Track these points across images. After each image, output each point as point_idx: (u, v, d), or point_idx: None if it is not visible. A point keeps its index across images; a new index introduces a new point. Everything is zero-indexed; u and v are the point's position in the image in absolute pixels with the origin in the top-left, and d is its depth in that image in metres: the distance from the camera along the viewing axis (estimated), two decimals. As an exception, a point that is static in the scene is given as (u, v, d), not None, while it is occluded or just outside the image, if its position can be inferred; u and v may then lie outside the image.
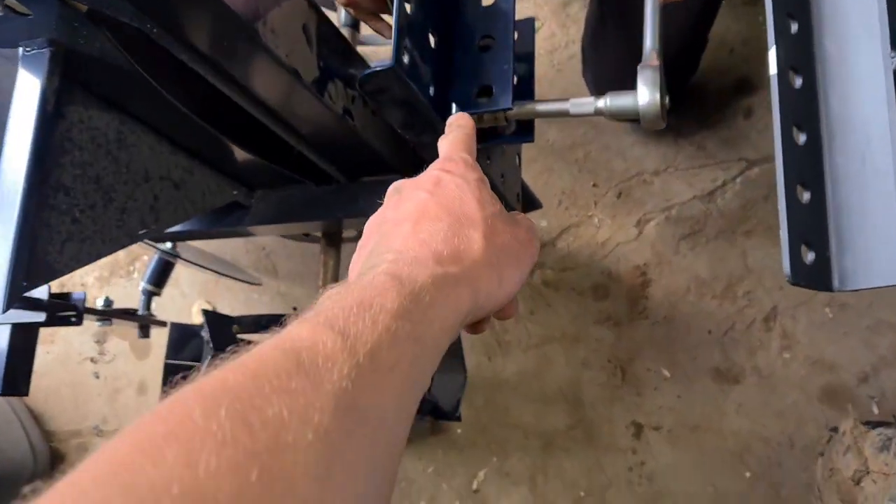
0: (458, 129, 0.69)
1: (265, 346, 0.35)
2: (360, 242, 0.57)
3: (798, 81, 0.82)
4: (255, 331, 1.16)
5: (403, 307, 0.40)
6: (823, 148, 0.81)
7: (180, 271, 1.62)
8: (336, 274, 1.33)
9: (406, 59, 0.81)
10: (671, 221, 1.54)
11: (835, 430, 1.25)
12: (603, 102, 0.89)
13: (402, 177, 1.13)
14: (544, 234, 1.57)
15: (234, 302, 1.62)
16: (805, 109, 0.81)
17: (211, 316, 1.13)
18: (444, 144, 0.68)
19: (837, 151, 0.80)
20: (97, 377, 1.60)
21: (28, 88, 0.80)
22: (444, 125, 0.93)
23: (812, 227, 0.79)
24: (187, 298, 1.63)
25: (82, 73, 0.82)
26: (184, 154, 1.05)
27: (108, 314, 1.32)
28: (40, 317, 1.19)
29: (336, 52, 0.96)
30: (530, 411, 1.48)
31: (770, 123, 0.69)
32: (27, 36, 0.76)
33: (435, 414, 1.30)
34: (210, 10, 0.76)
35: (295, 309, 1.09)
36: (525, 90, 0.99)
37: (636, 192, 1.57)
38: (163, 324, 1.39)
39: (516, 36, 0.97)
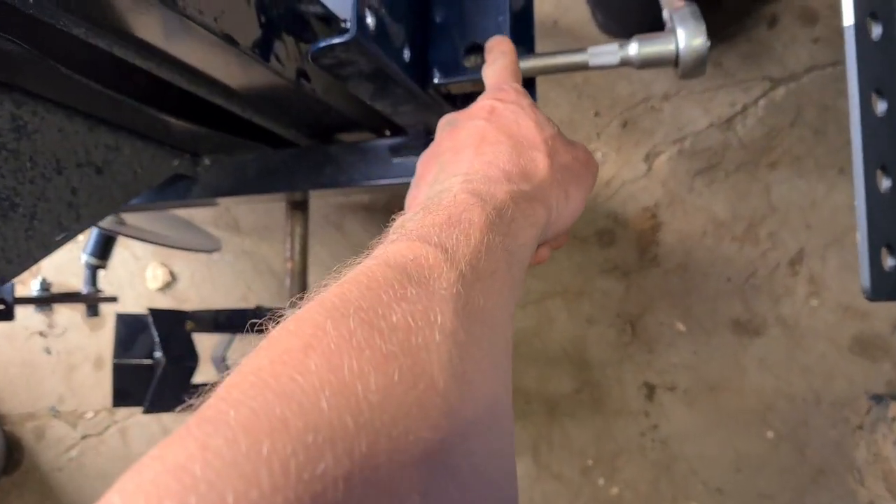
0: (500, 56, 0.64)
1: (368, 263, 0.36)
2: (416, 178, 0.56)
3: (877, 31, 0.63)
4: (214, 329, 0.99)
5: (490, 220, 0.41)
6: (907, 121, 0.63)
7: (130, 231, 1.43)
8: (305, 242, 1.15)
9: (371, 21, 0.61)
10: (684, 154, 1.35)
11: (877, 399, 1.12)
12: (632, 49, 0.70)
13: (375, 135, 0.92)
14: (541, 174, 1.38)
15: (195, 262, 1.44)
16: (888, 71, 0.63)
17: (158, 314, 0.95)
18: (489, 74, 0.63)
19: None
20: (49, 353, 1.43)
21: None
22: (423, 93, 0.73)
23: (893, 224, 0.62)
24: (140, 261, 1.45)
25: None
26: (105, 129, 0.85)
27: (46, 300, 1.15)
28: (-41, 317, 1.03)
29: (278, 4, 0.74)
30: (532, 374, 1.33)
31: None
32: None
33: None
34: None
35: (259, 307, 0.91)
36: (523, 39, 0.78)
37: (644, 121, 1.37)
38: (113, 299, 1.22)
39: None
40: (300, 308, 0.33)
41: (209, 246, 1.28)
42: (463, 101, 0.79)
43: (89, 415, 1.41)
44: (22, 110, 0.73)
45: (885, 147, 0.62)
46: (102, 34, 0.62)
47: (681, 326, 1.32)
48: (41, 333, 1.45)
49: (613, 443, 1.30)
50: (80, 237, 1.47)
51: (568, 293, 1.34)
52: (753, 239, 1.32)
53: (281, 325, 0.32)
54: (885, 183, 0.61)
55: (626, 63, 0.71)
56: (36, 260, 0.76)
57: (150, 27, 0.63)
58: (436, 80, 0.71)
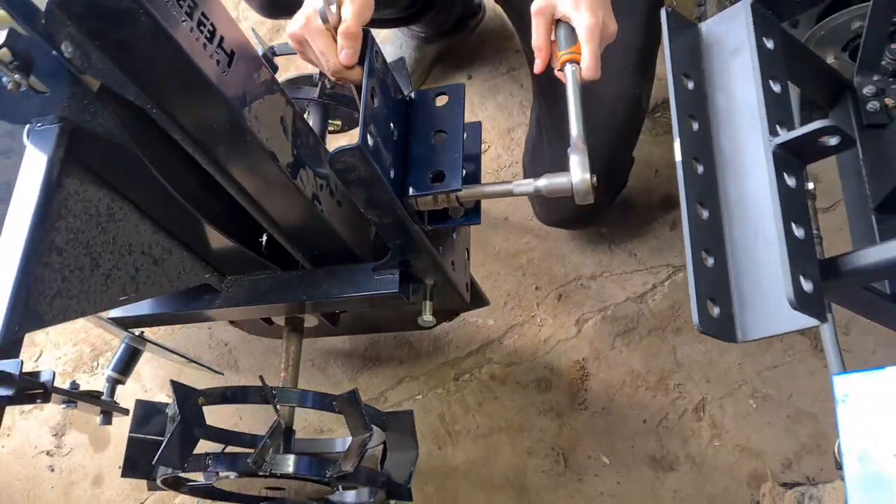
0: None
1: None
2: None
3: (700, 168, 0.99)
4: (222, 402, 1.23)
5: None
6: (724, 223, 0.97)
7: (142, 366, 1.69)
8: (298, 360, 1.41)
9: (370, 141, 0.96)
10: (607, 320, 1.67)
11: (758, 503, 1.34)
12: (542, 182, 1.04)
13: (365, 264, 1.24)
14: (491, 333, 1.69)
15: (194, 397, 1.67)
16: (707, 190, 0.98)
17: (179, 387, 1.20)
18: None
19: (735, 226, 0.96)
20: (52, 470, 1.62)
21: (35, 160, 0.92)
22: (400, 205, 1.06)
23: (716, 286, 0.93)
24: (148, 393, 1.69)
25: (83, 151, 0.95)
26: (164, 234, 1.16)
27: (75, 395, 1.37)
28: (9, 391, 1.25)
29: (308, 144, 1.11)
30: (479, 498, 1.53)
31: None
32: (39, 113, 0.89)
33: (389, 490, 1.36)
34: (204, 95, 0.91)
35: (261, 377, 1.16)
36: (473, 180, 1.14)
37: (575, 295, 1.71)
38: (125, 412, 1.44)
39: (465, 136, 1.14)
40: None
41: (213, 368, 1.54)
42: (429, 220, 1.13)
43: (80, 528, 1.56)
44: (115, 204, 1.05)
45: (708, 237, 0.94)
46: (191, 141, 0.96)
47: (606, 460, 1.55)
48: (48, 453, 1.64)
49: (549, 562, 1.48)
50: (103, 365, 1.72)
51: (511, 429, 1.59)
52: (664, 389, 1.60)
53: None
54: (709, 260, 0.93)
55: (538, 192, 1.06)
56: (104, 308, 1.04)
57: (224, 140, 0.97)
58: (410, 193, 1.05)
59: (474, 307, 1.56)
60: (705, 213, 0.96)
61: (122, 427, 1.61)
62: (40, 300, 0.90)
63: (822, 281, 0.83)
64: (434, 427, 1.61)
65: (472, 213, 1.13)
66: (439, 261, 1.22)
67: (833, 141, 0.84)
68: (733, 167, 0.98)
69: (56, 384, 1.32)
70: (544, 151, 1.55)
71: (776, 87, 0.92)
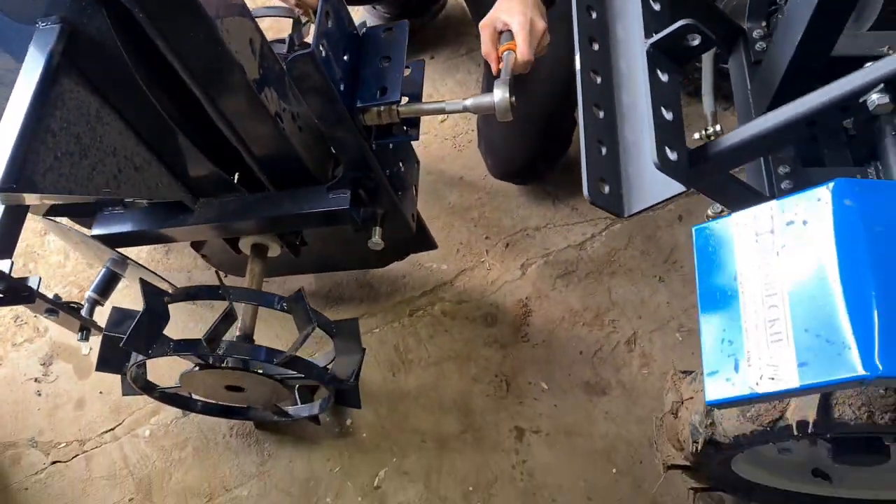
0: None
1: None
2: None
3: (598, 80, 1.17)
4: (185, 299, 1.39)
5: None
6: (617, 122, 1.14)
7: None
8: (261, 281, 1.57)
9: (323, 53, 1.14)
10: (549, 264, 1.84)
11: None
12: (469, 102, 1.22)
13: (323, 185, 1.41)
14: (444, 276, 1.85)
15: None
16: (603, 97, 1.15)
17: (146, 284, 1.35)
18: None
19: (626, 125, 1.14)
20: (39, 395, 1.75)
21: (37, 54, 1.08)
22: (350, 119, 1.23)
23: (607, 170, 1.11)
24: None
25: (79, 55, 1.11)
26: (145, 148, 1.32)
27: (57, 305, 1.50)
28: (-1, 286, 1.37)
29: (273, 70, 1.28)
30: (428, 419, 1.68)
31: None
32: (43, 13, 1.05)
33: (338, 396, 1.51)
34: (181, 5, 1.07)
35: (217, 273, 1.32)
36: (414, 93, 1.31)
37: (521, 243, 1.88)
38: (102, 329, 1.57)
39: (411, 70, 1.32)
40: None
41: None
42: (376, 136, 1.30)
43: (62, 445, 1.70)
44: (104, 110, 1.21)
45: (602, 132, 1.11)
46: (169, 48, 1.13)
47: (544, 385, 1.70)
48: (36, 380, 1.78)
49: (490, 473, 1.62)
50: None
51: (459, 358, 1.74)
52: (599, 324, 1.76)
53: None
54: (602, 149, 1.10)
55: (466, 109, 1.24)
56: (89, 193, 1.19)
57: (196, 45, 1.14)
58: (358, 104, 1.23)
59: (424, 249, 1.73)
60: (601, 114, 1.14)
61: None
62: (35, 169, 1.05)
63: (694, 165, 1.00)
64: (389, 356, 1.76)
65: (412, 131, 1.31)
66: (385, 183, 1.39)
67: (695, 41, 1.02)
68: (627, 78, 1.16)
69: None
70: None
71: (656, 6, 1.11)
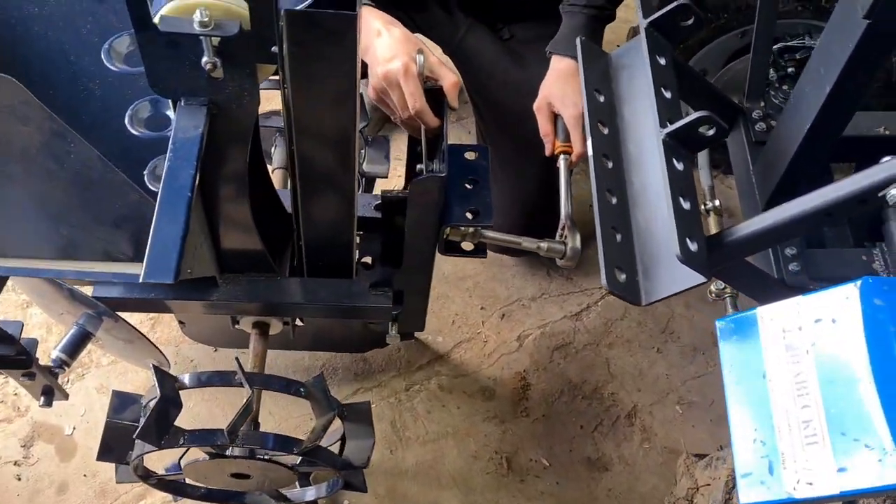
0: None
1: None
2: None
3: (609, 164, 1.17)
4: (198, 385, 1.34)
5: None
6: (629, 207, 1.14)
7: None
8: (264, 360, 1.52)
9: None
10: (546, 336, 1.83)
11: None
12: (544, 244, 1.23)
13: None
14: (440, 348, 1.82)
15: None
16: (615, 182, 1.16)
17: (158, 370, 1.31)
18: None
19: (639, 210, 1.14)
20: (19, 479, 1.68)
21: (185, 131, 0.94)
22: (436, 234, 1.23)
23: (623, 257, 1.10)
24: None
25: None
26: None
27: (41, 369, 1.41)
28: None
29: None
30: (427, 497, 1.64)
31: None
32: (190, 92, 0.94)
33: (346, 481, 1.46)
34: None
35: (237, 359, 1.28)
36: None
37: (517, 314, 1.86)
38: (65, 396, 1.48)
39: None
40: None
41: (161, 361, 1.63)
42: (446, 247, 1.29)
43: (43, 532, 1.62)
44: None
45: (616, 218, 1.12)
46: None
47: (545, 462, 1.67)
48: (16, 463, 1.70)
49: (492, 555, 1.58)
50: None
51: (458, 434, 1.71)
52: (599, 398, 1.75)
53: None
54: (617, 237, 1.10)
55: (539, 251, 1.27)
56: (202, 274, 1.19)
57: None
58: (450, 222, 1.22)
59: (413, 331, 1.71)
60: (613, 199, 1.14)
61: (87, 438, 1.70)
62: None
63: (710, 253, 1.00)
64: (386, 433, 1.72)
65: (480, 249, 1.33)
66: (427, 286, 1.39)
67: (710, 131, 1.02)
68: (637, 163, 1.16)
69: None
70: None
71: (668, 94, 1.12)
